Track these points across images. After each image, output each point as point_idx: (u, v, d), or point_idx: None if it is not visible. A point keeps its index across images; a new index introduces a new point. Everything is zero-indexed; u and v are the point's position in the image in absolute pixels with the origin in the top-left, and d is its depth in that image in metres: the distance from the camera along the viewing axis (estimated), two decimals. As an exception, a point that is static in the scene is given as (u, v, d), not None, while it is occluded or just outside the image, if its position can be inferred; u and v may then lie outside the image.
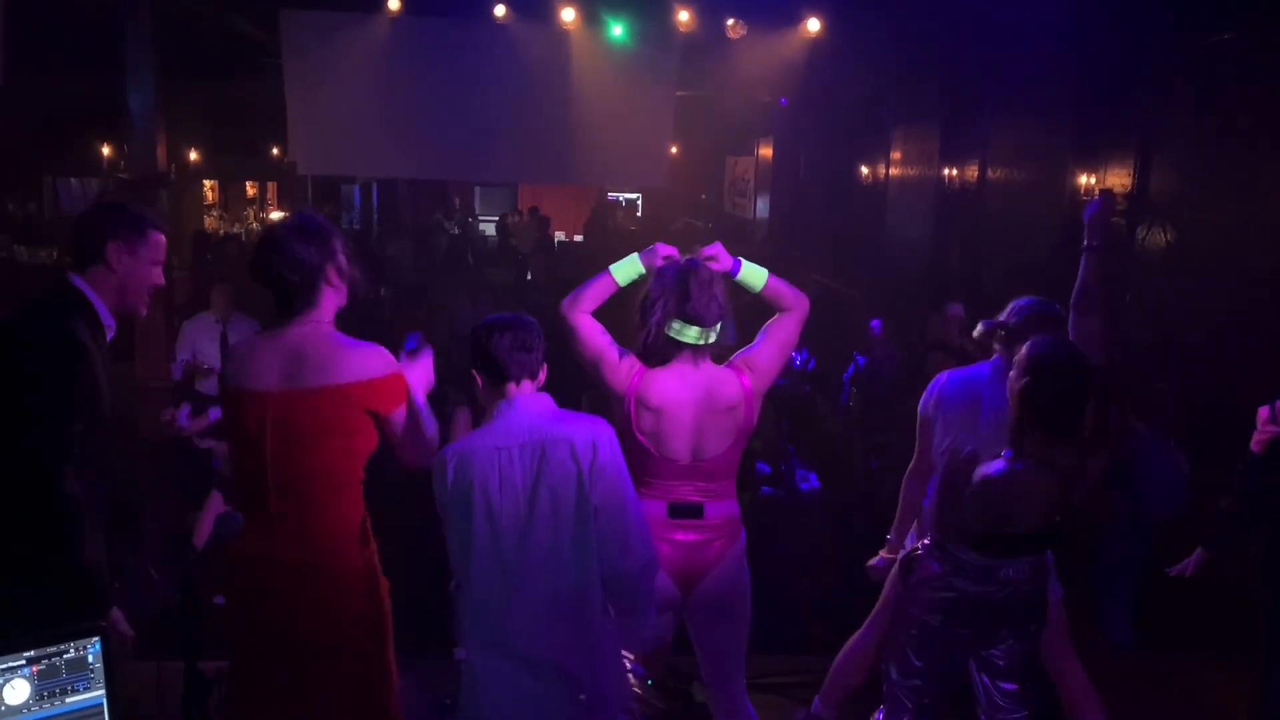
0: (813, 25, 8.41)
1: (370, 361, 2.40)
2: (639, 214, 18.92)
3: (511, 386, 2.43)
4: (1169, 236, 5.50)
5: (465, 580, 2.39)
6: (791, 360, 5.30)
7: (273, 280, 2.41)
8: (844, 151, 11.14)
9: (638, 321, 2.77)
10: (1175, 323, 5.29)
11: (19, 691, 1.81)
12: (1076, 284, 2.87)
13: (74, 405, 2.32)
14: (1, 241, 11.29)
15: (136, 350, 6.93)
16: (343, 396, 2.36)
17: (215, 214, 15.61)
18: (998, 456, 2.61)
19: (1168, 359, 5.14)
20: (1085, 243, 2.89)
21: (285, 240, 2.40)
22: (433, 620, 2.90)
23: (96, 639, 1.89)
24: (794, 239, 11.58)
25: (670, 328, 2.71)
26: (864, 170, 10.91)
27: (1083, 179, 6.37)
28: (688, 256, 2.81)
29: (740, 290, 2.84)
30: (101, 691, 1.89)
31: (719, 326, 2.74)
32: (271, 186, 16.42)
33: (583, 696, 2.41)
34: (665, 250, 2.81)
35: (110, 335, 2.50)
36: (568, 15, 8.29)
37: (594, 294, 2.78)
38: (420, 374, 2.56)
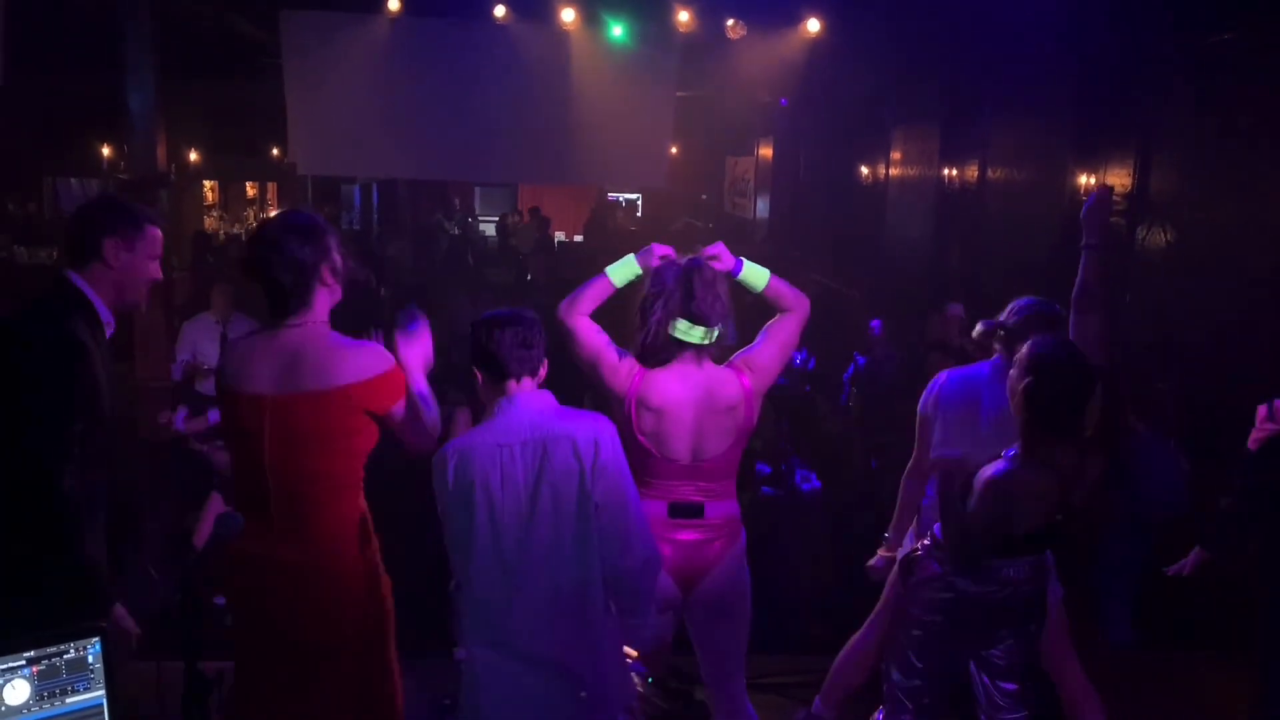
0: (813, 25, 8.41)
1: (367, 361, 2.38)
2: (639, 214, 18.92)
3: (512, 384, 2.42)
4: (1169, 236, 5.50)
5: (466, 579, 2.39)
6: (791, 360, 5.30)
7: (267, 280, 2.38)
8: (844, 151, 11.13)
9: (637, 322, 2.77)
10: (1175, 323, 5.28)
11: (19, 692, 1.81)
12: (1076, 283, 2.87)
13: (74, 405, 2.31)
14: (1, 242, 11.29)
15: (136, 350, 6.92)
16: (341, 399, 2.34)
17: (215, 214, 15.61)
18: (997, 457, 2.61)
19: (1168, 359, 5.13)
20: (1084, 241, 2.89)
21: (279, 239, 2.38)
22: (433, 620, 2.90)
23: (96, 639, 1.89)
24: (794, 239, 11.58)
25: (674, 328, 2.71)
26: (864, 170, 10.91)
27: (1083, 179, 6.37)
28: (690, 256, 2.80)
29: (741, 291, 2.85)
30: (101, 692, 1.89)
31: (721, 326, 2.75)
32: (271, 187, 16.40)
33: (583, 695, 2.40)
34: (661, 250, 2.81)
35: (109, 332, 2.48)
36: (568, 15, 8.29)
37: (591, 296, 2.78)
38: (418, 351, 2.52)
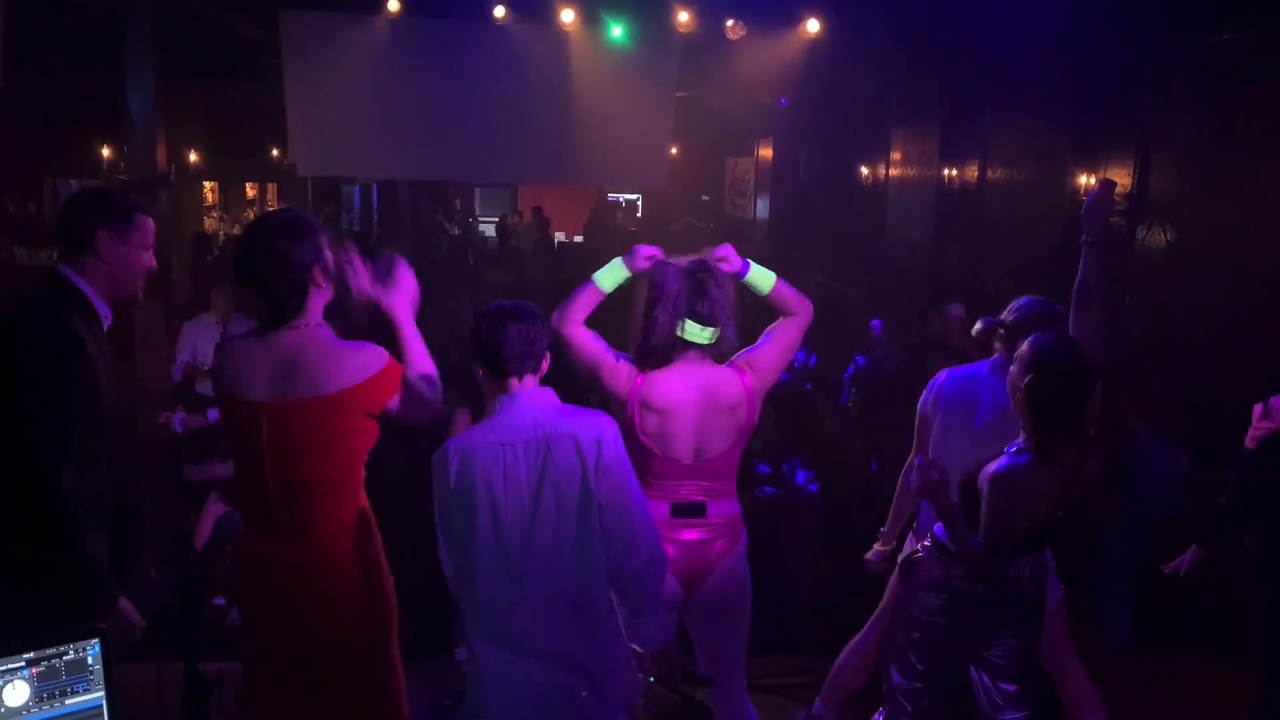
0: (812, 26, 8.41)
1: (362, 362, 2.35)
2: (639, 215, 18.93)
3: (514, 381, 2.39)
4: (1169, 236, 5.50)
5: (468, 578, 2.37)
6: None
7: (260, 284, 2.35)
8: (844, 152, 11.14)
9: (640, 323, 2.76)
10: (1175, 323, 5.29)
11: (19, 693, 1.81)
12: (1077, 280, 2.87)
13: (74, 405, 2.30)
14: (1, 243, 11.29)
15: (136, 351, 6.93)
16: (338, 404, 2.33)
17: (215, 215, 15.62)
18: (999, 455, 2.61)
19: (1168, 359, 5.14)
20: (1084, 238, 2.89)
21: (270, 243, 2.33)
22: (433, 620, 2.90)
23: (96, 640, 1.89)
24: (794, 239, 11.58)
25: (682, 329, 2.70)
26: (864, 170, 10.91)
27: (1083, 179, 6.37)
28: (697, 257, 2.80)
29: (743, 292, 2.85)
30: (101, 693, 1.89)
31: (725, 327, 2.75)
32: (271, 188, 16.41)
33: (585, 694, 2.40)
34: (647, 251, 2.81)
35: (107, 325, 2.46)
36: (567, 16, 8.29)
37: (582, 305, 2.77)
38: (405, 297, 2.49)
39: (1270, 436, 2.88)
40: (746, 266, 2.82)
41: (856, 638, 3.42)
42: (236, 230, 14.66)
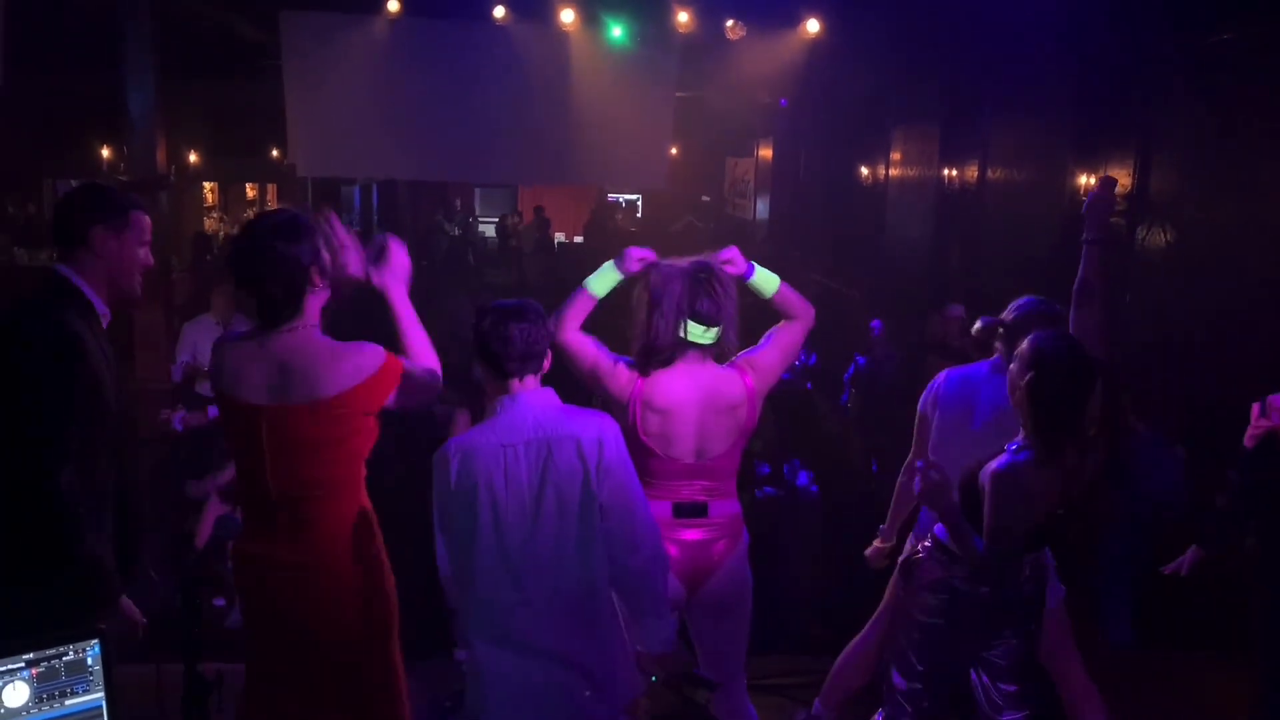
0: (812, 26, 8.42)
1: (358, 364, 2.34)
2: (639, 215, 18.94)
3: (515, 382, 2.39)
4: (1169, 236, 5.50)
5: (468, 578, 2.37)
6: (793, 357, 5.30)
7: (256, 284, 2.33)
8: (844, 152, 11.14)
9: (641, 323, 2.76)
10: (1175, 322, 5.29)
11: (18, 694, 1.81)
12: (1077, 278, 2.87)
13: (73, 404, 2.30)
14: (1, 243, 11.29)
15: (137, 351, 6.94)
16: (336, 406, 2.32)
17: (215, 216, 15.62)
18: (999, 453, 2.61)
19: (1168, 359, 5.14)
20: (1085, 235, 2.89)
21: (266, 246, 2.31)
22: (433, 620, 2.89)
23: (96, 641, 1.89)
24: (794, 239, 11.59)
25: (685, 330, 2.70)
26: (864, 170, 10.91)
27: (1083, 179, 6.37)
28: (700, 258, 2.80)
29: (744, 293, 2.85)
30: (101, 694, 1.89)
31: (727, 327, 2.75)
32: (271, 188, 16.40)
33: (587, 694, 2.40)
34: (639, 254, 2.80)
35: (105, 323, 2.45)
36: (567, 16, 8.30)
37: (575, 311, 2.78)
38: (398, 275, 2.50)
39: (1269, 435, 2.88)
40: (751, 269, 2.83)
41: (856, 638, 3.41)
42: (237, 230, 14.65)
